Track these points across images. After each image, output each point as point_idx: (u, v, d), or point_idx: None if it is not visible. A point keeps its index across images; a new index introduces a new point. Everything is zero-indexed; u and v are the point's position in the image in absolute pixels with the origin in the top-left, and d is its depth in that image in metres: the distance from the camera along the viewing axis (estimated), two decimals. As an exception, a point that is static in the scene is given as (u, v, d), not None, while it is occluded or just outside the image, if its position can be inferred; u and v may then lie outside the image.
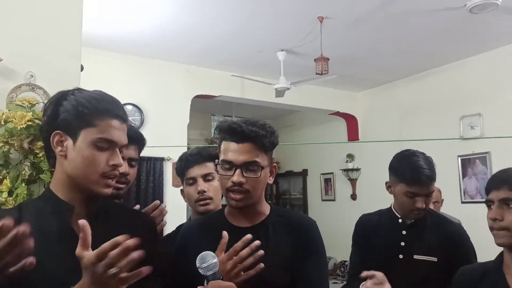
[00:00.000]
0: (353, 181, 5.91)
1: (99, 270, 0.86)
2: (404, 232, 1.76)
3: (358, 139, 5.84)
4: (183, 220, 4.52)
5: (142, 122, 4.44)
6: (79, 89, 1.11)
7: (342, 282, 5.02)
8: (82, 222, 0.90)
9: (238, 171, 1.20)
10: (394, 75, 5.26)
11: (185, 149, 4.64)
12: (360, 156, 5.83)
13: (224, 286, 1.06)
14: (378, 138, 5.19)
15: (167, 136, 4.33)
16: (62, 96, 1.08)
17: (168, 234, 1.74)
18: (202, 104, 5.20)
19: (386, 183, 1.83)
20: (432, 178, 1.68)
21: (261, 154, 1.23)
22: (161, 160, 4.55)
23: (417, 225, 1.75)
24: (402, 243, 1.75)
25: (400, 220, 1.78)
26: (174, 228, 1.75)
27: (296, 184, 6.98)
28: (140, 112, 4.44)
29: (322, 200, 6.41)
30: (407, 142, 4.12)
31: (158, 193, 4.52)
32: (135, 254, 0.87)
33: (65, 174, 1.06)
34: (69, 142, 1.05)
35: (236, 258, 1.13)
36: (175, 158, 5.22)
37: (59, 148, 1.05)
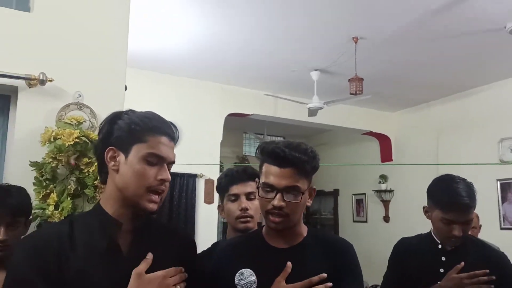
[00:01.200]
0: (386, 203, 5.79)
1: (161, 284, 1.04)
2: (443, 259, 1.71)
3: (392, 160, 5.73)
4: (214, 236, 4.56)
5: (177, 139, 4.53)
6: (132, 110, 1.18)
7: (374, 307, 4.88)
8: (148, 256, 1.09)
9: (279, 195, 1.22)
10: (430, 95, 5.17)
11: (217, 167, 4.73)
12: (394, 177, 5.71)
13: None
14: (412, 158, 5.09)
15: (200, 153, 4.40)
16: (116, 115, 1.15)
17: (203, 252, 1.76)
18: (234, 122, 5.26)
19: (423, 207, 1.80)
20: (469, 206, 1.63)
21: (302, 179, 1.24)
22: (194, 176, 4.61)
23: (457, 252, 1.70)
24: (441, 270, 1.70)
25: (439, 246, 1.74)
26: (207, 245, 1.78)
27: (327, 204, 6.90)
28: (176, 130, 4.53)
29: (354, 221, 6.30)
30: (443, 166, 4.02)
31: (190, 209, 4.57)
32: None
33: (115, 189, 1.11)
34: (121, 157, 1.11)
35: None
36: (208, 175, 5.23)
37: (112, 163, 1.11)
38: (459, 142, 4.88)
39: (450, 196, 1.64)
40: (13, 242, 1.44)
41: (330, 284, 1.21)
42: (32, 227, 1.61)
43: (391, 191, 5.73)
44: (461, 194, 1.63)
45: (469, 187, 1.67)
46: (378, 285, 5.24)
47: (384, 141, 5.93)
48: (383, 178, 5.78)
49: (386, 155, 5.88)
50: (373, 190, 5.89)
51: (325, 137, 6.64)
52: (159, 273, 1.08)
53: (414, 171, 5.07)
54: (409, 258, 1.78)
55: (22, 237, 1.44)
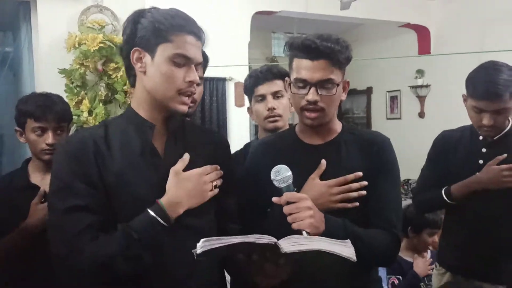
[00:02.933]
0: (421, 99, 5.61)
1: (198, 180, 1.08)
2: (484, 150, 1.66)
3: (430, 53, 5.42)
4: (247, 138, 4.65)
5: (204, 42, 4.41)
6: (155, 8, 1.11)
7: (405, 200, 5.02)
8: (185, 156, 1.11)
9: (312, 89, 1.17)
10: (477, -22, 4.66)
11: (246, 69, 4.63)
12: (431, 71, 5.44)
13: (298, 197, 1.08)
14: (453, 51, 4.78)
15: (228, 56, 4.29)
16: (139, 14, 1.09)
17: (236, 152, 1.79)
18: (262, 22, 5.02)
19: (463, 95, 1.71)
20: (499, 94, 1.51)
21: (336, 70, 1.18)
22: (224, 80, 4.56)
23: (499, 143, 1.64)
24: (481, 161, 1.66)
25: (480, 137, 1.67)
26: (239, 147, 1.80)
27: (359, 102, 6.78)
28: (202, 32, 4.38)
29: (387, 118, 6.21)
30: (486, 53, 3.75)
31: (222, 113, 4.61)
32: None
33: (145, 92, 1.10)
34: (147, 58, 1.07)
35: (346, 188, 1.19)
36: (237, 78, 5.22)
37: (139, 64, 1.09)
38: (508, 33, 4.47)
39: (480, 83, 1.54)
40: None
41: (365, 182, 1.20)
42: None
43: (427, 86, 5.52)
44: (491, 81, 1.51)
45: (507, 72, 1.54)
46: (410, 179, 5.35)
47: (422, 33, 5.55)
48: (420, 73, 5.53)
49: (424, 48, 5.54)
50: (408, 86, 5.69)
51: (359, 32, 6.28)
52: (196, 170, 1.10)
53: (453, 64, 4.79)
54: (450, 150, 1.74)
55: (58, 143, 1.50)
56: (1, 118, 3.35)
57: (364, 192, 1.20)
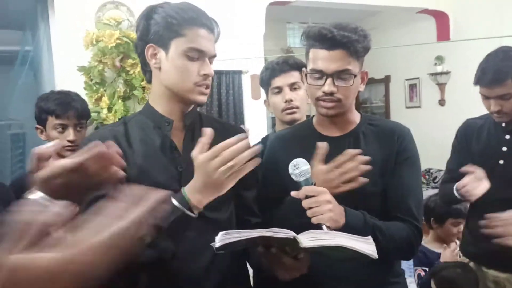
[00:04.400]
0: (441, 86, 5.49)
1: (212, 166, 0.94)
2: (507, 137, 1.62)
3: (449, 39, 5.29)
4: (264, 131, 4.65)
5: (217, 35, 4.40)
6: (166, 2, 1.12)
7: (427, 190, 4.95)
8: (207, 129, 1.00)
9: (329, 80, 1.15)
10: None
11: (262, 61, 4.61)
12: (451, 58, 5.32)
13: (317, 191, 1.07)
14: (473, 37, 4.65)
15: (243, 48, 4.27)
16: (151, 10, 1.10)
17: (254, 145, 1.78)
18: (276, 12, 4.97)
19: None
20: (497, 79, 1.48)
21: (353, 61, 1.15)
22: (239, 73, 4.55)
23: (523, 129, 1.60)
24: (504, 148, 1.62)
25: (503, 124, 1.63)
26: (256, 140, 1.79)
27: (377, 92, 6.69)
28: (216, 25, 4.37)
29: (406, 107, 6.11)
30: (508, 38, 3.64)
31: (238, 107, 4.60)
32: (246, 153, 0.95)
33: (162, 87, 1.11)
34: (161, 54, 1.08)
35: (342, 170, 1.11)
36: (253, 71, 5.19)
37: (154, 60, 1.09)
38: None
39: (479, 70, 1.55)
40: (81, 142, 1.59)
41: (367, 158, 1.13)
42: (90, 132, 1.70)
43: (447, 73, 5.40)
44: (489, 67, 1.50)
45: (505, 57, 1.51)
46: (431, 169, 5.27)
47: (441, 19, 5.42)
48: (440, 59, 5.41)
49: (443, 35, 5.41)
50: (427, 74, 5.58)
51: (376, 20, 6.17)
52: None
53: (474, 49, 4.67)
54: (472, 138, 1.71)
55: (81, 141, 1.54)
56: (23, 117, 3.43)
57: (369, 167, 1.11)
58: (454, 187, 1.67)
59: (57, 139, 1.63)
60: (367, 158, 1.12)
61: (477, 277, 1.75)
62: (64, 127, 1.64)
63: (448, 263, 1.95)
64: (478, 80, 1.57)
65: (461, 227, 2.19)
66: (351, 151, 1.13)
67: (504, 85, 1.50)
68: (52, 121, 1.64)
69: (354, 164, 1.12)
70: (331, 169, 1.13)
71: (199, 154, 0.96)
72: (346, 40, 1.12)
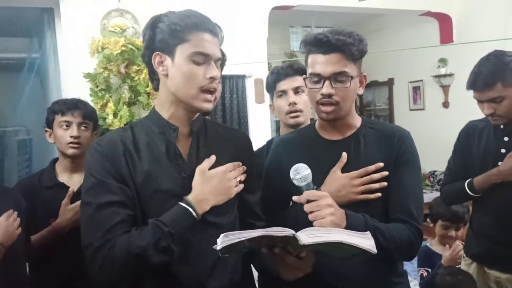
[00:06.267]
0: (445, 88, 5.49)
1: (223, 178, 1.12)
2: (506, 139, 1.64)
3: (453, 42, 5.29)
4: (268, 135, 4.66)
5: (221, 39, 4.43)
6: (170, 12, 1.14)
7: (431, 192, 4.94)
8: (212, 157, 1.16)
9: (327, 82, 1.18)
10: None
11: (265, 65, 4.63)
12: (454, 60, 5.32)
13: (318, 195, 1.09)
14: (476, 39, 4.65)
15: (247, 53, 4.29)
16: (156, 19, 1.13)
17: (258, 149, 1.81)
18: (279, 17, 5.00)
19: None
20: (484, 84, 1.52)
21: (350, 63, 1.18)
22: (243, 77, 4.57)
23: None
24: (503, 150, 1.64)
25: (502, 126, 1.65)
26: (260, 144, 1.82)
27: (381, 94, 6.69)
28: (220, 29, 4.40)
29: (410, 109, 6.11)
30: (511, 41, 3.64)
31: (242, 111, 4.62)
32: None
33: (169, 94, 1.13)
34: (168, 61, 1.10)
35: (367, 179, 1.21)
36: (256, 75, 5.22)
37: (161, 68, 1.12)
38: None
39: (471, 75, 1.59)
40: (85, 143, 1.64)
41: (386, 173, 1.21)
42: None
43: (451, 75, 5.40)
44: (476, 71, 1.55)
45: (495, 61, 1.53)
46: (436, 171, 5.26)
47: (444, 22, 5.42)
48: (443, 61, 5.41)
49: (446, 37, 5.41)
50: (431, 76, 5.58)
51: (378, 23, 6.18)
52: (220, 168, 1.14)
53: (477, 52, 4.67)
54: (474, 140, 1.73)
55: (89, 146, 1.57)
56: (29, 123, 3.48)
57: (385, 184, 1.21)
58: (466, 184, 1.69)
59: (62, 135, 1.68)
60: (385, 173, 1.23)
61: (475, 284, 1.76)
62: (68, 124, 1.69)
63: (447, 269, 1.94)
64: (470, 85, 1.61)
65: (452, 230, 2.22)
66: (378, 165, 1.22)
67: (494, 89, 1.53)
68: (58, 119, 1.71)
69: (378, 176, 1.21)
70: (353, 177, 1.21)
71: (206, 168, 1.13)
72: (341, 43, 1.16)
